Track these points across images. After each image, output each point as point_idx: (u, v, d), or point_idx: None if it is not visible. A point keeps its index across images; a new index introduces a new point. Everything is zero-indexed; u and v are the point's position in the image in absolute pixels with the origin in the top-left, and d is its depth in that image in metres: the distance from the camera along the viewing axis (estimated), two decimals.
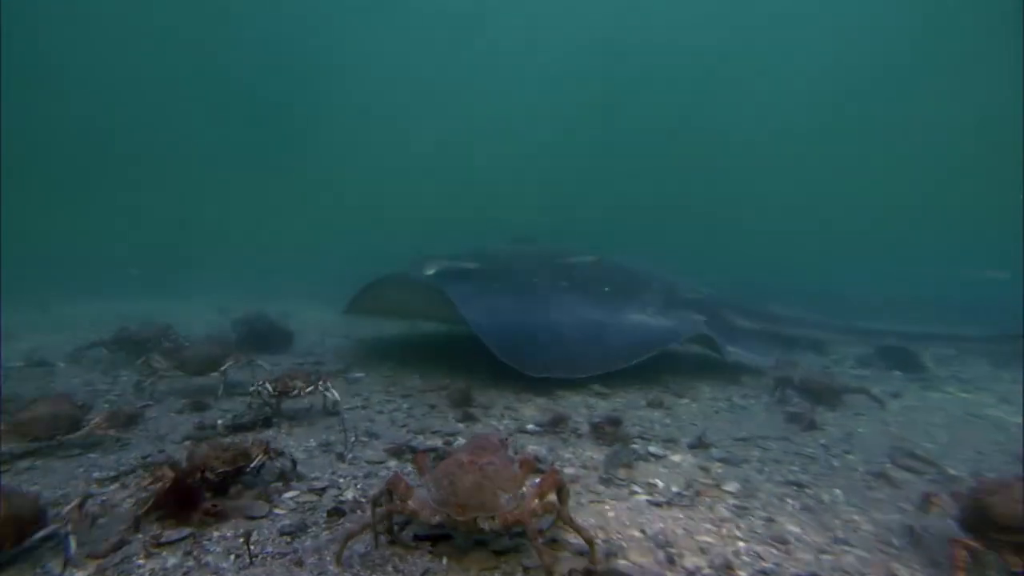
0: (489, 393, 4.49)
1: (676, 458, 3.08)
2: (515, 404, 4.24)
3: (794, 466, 2.97)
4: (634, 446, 3.31)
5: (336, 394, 3.70)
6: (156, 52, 27.75)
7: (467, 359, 6.00)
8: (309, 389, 3.60)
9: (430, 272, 6.37)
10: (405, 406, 4.08)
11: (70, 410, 2.89)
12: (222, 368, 4.13)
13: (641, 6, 30.25)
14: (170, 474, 2.09)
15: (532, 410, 4.10)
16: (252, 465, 2.40)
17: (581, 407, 4.28)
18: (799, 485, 2.69)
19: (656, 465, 3.01)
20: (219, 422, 3.40)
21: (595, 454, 3.15)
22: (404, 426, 3.60)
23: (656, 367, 5.26)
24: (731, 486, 2.66)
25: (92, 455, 2.85)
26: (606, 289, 6.09)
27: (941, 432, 3.94)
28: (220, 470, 2.31)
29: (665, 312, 5.89)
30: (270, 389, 3.45)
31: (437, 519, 1.90)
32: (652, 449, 3.22)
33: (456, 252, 7.05)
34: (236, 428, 3.27)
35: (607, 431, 3.39)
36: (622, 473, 2.85)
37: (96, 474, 2.57)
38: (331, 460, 2.93)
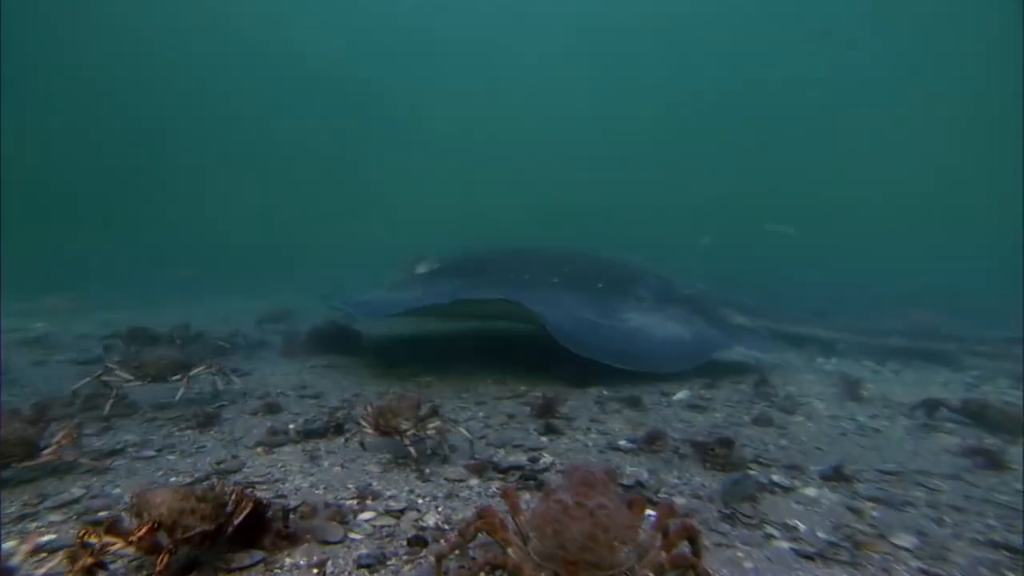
0: (570, 402, 4.09)
1: (810, 492, 2.52)
2: (601, 416, 3.81)
3: (989, 519, 2.31)
4: (750, 471, 2.78)
5: (449, 439, 2.89)
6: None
7: (538, 362, 5.64)
8: (412, 430, 2.76)
9: (421, 271, 6.57)
10: (481, 415, 3.76)
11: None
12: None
13: None
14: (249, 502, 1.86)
15: (621, 423, 3.65)
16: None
17: (675, 421, 3.77)
18: (1011, 549, 2.05)
19: (786, 499, 2.47)
20: (291, 427, 3.24)
21: (706, 480, 2.67)
22: (482, 438, 3.27)
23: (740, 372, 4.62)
24: (904, 539, 2.08)
25: (171, 457, 2.75)
26: (643, 293, 6.03)
27: None
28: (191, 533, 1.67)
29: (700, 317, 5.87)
30: (366, 427, 2.78)
31: None
32: (776, 478, 2.67)
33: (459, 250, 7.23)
34: (308, 434, 3.09)
35: (717, 453, 2.88)
36: (747, 508, 2.35)
37: (173, 479, 2.44)
38: (407, 475, 2.65)
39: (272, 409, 3.55)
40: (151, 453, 2.76)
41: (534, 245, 7.55)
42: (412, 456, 2.66)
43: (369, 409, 2.80)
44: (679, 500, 2.44)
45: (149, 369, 3.58)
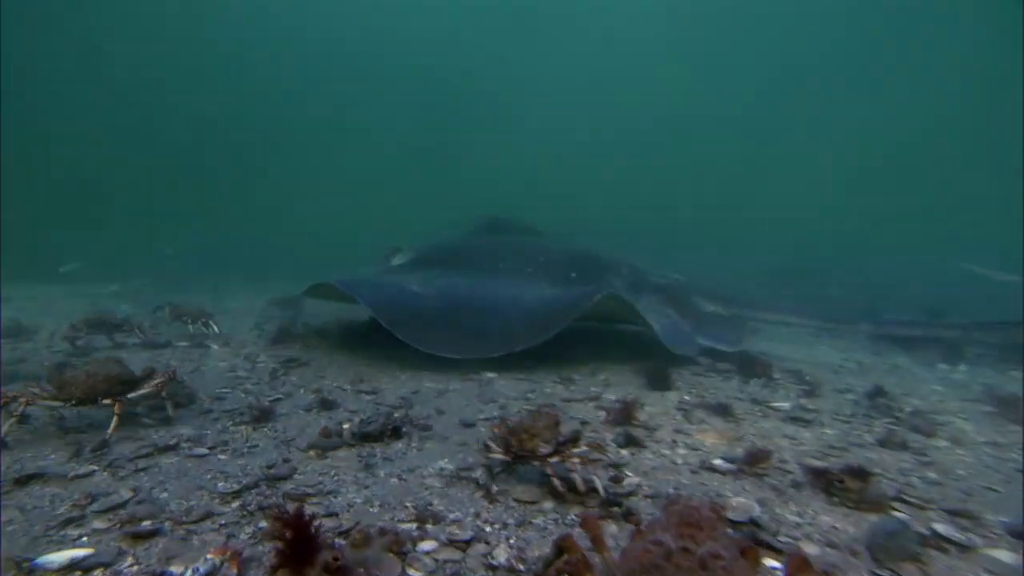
0: (648, 408, 3.62)
1: (1001, 556, 1.92)
2: (686, 426, 3.32)
3: None
4: (898, 513, 2.21)
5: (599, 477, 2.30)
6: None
7: (599, 360, 5.17)
8: (556, 457, 2.27)
9: (397, 262, 6.42)
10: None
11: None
12: (133, 394, 2.88)
13: None
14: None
15: (713, 437, 3.14)
16: None
17: (777, 436, 3.21)
18: None
19: (967, 563, 1.89)
20: (345, 427, 3.00)
21: (836, 521, 2.13)
22: None
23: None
24: None
25: (222, 456, 2.58)
26: (573, 273, 5.91)
27: None
28: None
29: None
30: (495, 450, 2.37)
31: None
32: (940, 528, 2.09)
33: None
34: (363, 437, 2.83)
35: (846, 485, 2.32)
36: (911, 571, 1.81)
37: (221, 485, 2.24)
38: (471, 494, 2.31)
39: (327, 405, 3.34)
40: (203, 451, 2.60)
41: (509, 237, 7.36)
42: (558, 491, 2.19)
43: (499, 429, 2.40)
44: (808, 548, 1.94)
45: (74, 390, 2.74)
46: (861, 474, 2.34)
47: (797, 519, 2.16)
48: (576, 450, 2.34)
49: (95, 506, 2.00)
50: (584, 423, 3.32)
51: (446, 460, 2.67)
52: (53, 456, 2.50)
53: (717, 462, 2.72)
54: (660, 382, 4.16)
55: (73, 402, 2.75)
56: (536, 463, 2.31)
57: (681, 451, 2.93)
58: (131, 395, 2.87)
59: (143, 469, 2.38)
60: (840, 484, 2.31)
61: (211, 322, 5.65)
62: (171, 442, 2.66)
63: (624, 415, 3.33)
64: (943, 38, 26.03)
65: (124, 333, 5.16)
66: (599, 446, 2.53)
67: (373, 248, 7.52)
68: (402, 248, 6.61)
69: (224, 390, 3.64)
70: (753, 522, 2.07)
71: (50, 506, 2.01)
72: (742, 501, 2.28)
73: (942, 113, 29.04)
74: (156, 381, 2.99)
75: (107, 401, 2.77)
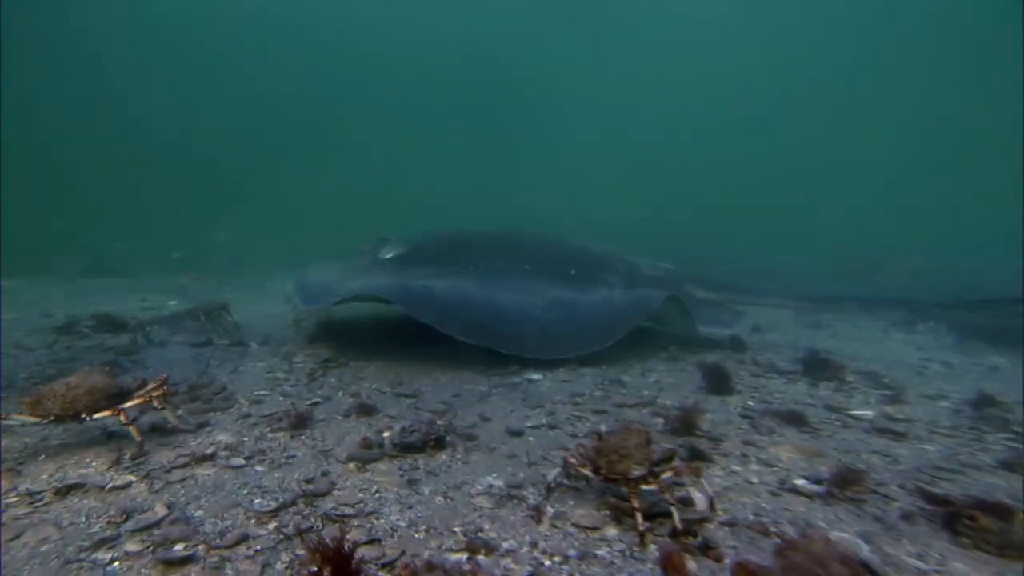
0: (709, 415, 3.29)
1: None
2: (756, 438, 2.97)
3: None
4: None
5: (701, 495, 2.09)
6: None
7: (643, 353, 4.84)
8: (650, 482, 1.99)
9: (387, 255, 5.93)
10: (603, 428, 3.10)
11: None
12: (121, 407, 2.53)
13: None
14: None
15: (788, 451, 2.79)
16: None
17: (864, 451, 2.83)
18: None
19: None
20: (385, 435, 2.82)
21: (972, 570, 1.77)
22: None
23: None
24: None
25: (259, 467, 2.44)
26: (574, 271, 5.78)
27: None
28: None
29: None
30: (582, 470, 2.11)
31: None
32: None
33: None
34: (406, 448, 2.64)
35: (984, 526, 1.94)
36: None
37: (257, 501, 2.09)
38: (523, 516, 2.07)
39: (366, 410, 3.18)
40: (240, 461, 2.47)
41: (501, 231, 7.03)
42: (637, 523, 1.90)
43: (585, 448, 2.17)
44: None
45: (51, 405, 2.43)
46: (1002, 511, 1.95)
47: (919, 564, 1.81)
48: (666, 475, 2.05)
49: (129, 524, 1.88)
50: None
51: (494, 475, 2.45)
52: (94, 464, 2.42)
53: (800, 482, 2.38)
54: (720, 385, 3.81)
55: (51, 419, 2.42)
56: (625, 488, 2.03)
57: (754, 467, 2.61)
58: (122, 406, 2.55)
59: (180, 481, 2.26)
60: (970, 520, 1.94)
61: (224, 315, 5.65)
62: (209, 451, 2.55)
63: (685, 423, 3.02)
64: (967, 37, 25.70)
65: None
66: (695, 469, 2.25)
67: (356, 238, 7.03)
68: (390, 240, 6.08)
69: (262, 392, 3.55)
70: (865, 566, 1.75)
71: (85, 523, 1.90)
72: (842, 536, 1.95)
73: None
74: (147, 391, 2.69)
75: (95, 415, 2.48)
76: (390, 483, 2.33)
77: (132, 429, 2.52)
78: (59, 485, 2.17)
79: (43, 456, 2.51)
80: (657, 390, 3.94)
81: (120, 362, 4.22)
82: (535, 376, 4.19)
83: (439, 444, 2.71)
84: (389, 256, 5.99)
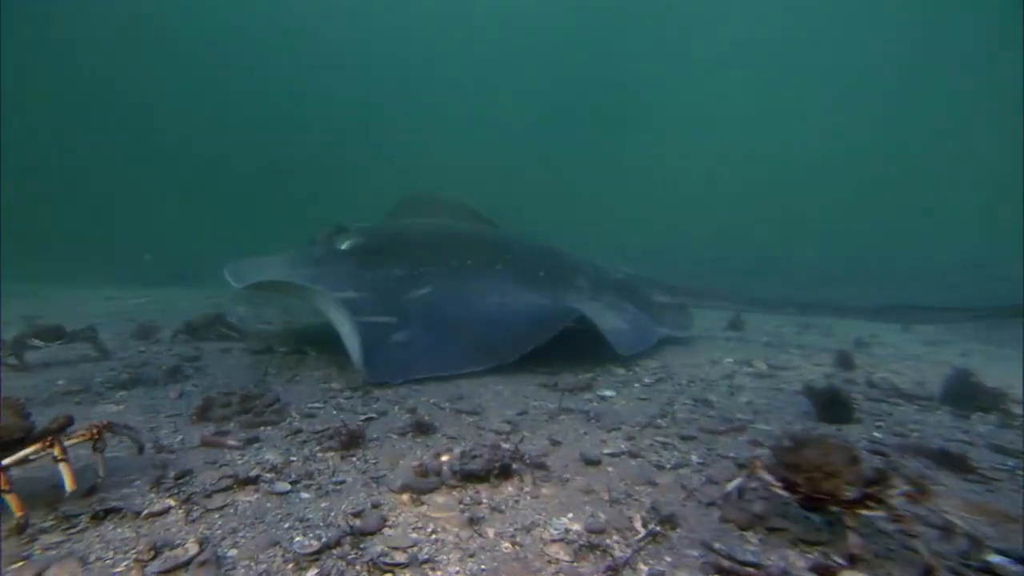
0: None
1: None
2: (904, 487, 2.35)
3: None
4: None
5: None
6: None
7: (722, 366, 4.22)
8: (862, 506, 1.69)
9: (343, 247, 5.28)
10: (694, 458, 2.60)
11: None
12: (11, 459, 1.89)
13: None
14: None
15: (958, 506, 2.16)
16: None
17: None
18: None
19: None
20: (443, 459, 2.49)
21: None
22: (711, 504, 2.13)
23: None
24: None
25: (304, 495, 2.18)
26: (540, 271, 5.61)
27: None
28: None
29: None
30: (772, 484, 1.82)
31: None
32: None
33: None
34: (467, 476, 2.28)
35: None
36: None
37: (298, 540, 1.81)
38: (602, 570, 1.65)
39: (423, 428, 2.87)
40: (285, 486, 2.22)
41: (466, 228, 6.59)
42: (856, 554, 1.57)
43: (777, 464, 1.86)
44: None
45: None
46: None
47: None
48: (895, 499, 1.67)
49: (155, 565, 1.65)
50: (742, 466, 2.50)
51: (570, 516, 2.04)
52: (138, 483, 2.26)
53: (995, 559, 1.77)
54: (836, 412, 3.17)
55: None
56: (835, 509, 1.63)
57: (919, 528, 2.01)
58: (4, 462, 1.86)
59: (219, 508, 2.03)
60: None
61: (231, 326, 5.54)
62: (253, 472, 2.32)
63: (797, 457, 2.45)
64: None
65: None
66: (926, 489, 1.77)
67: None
68: (348, 230, 5.49)
69: (316, 405, 3.34)
70: None
71: (111, 560, 1.69)
72: None
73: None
74: (55, 437, 1.99)
75: None
76: (449, 521, 1.98)
77: (10, 499, 1.80)
78: (98, 508, 2.00)
79: (89, 472, 2.39)
80: (751, 413, 3.36)
81: (183, 369, 4.21)
82: (607, 393, 3.73)
83: (505, 473, 2.33)
84: (345, 247, 5.31)
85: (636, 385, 4.00)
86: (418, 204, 7.77)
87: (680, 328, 6.15)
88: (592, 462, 2.52)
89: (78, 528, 1.87)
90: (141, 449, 2.44)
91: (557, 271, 5.77)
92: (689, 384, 4.03)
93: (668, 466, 2.50)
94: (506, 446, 2.48)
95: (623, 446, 2.74)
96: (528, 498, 2.19)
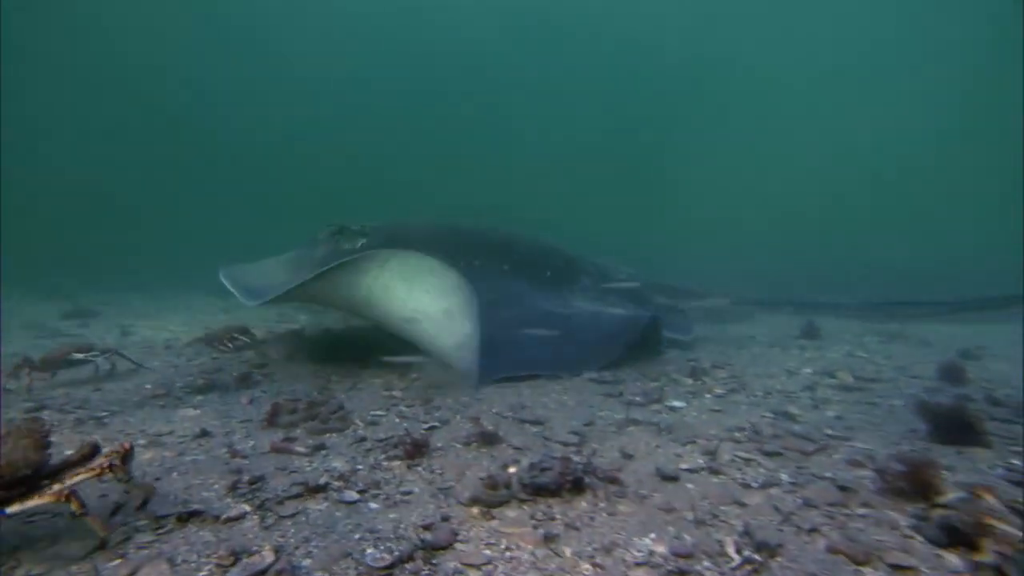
0: (949, 474, 2.36)
1: None
2: None
3: None
4: None
5: None
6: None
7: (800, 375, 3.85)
8: None
9: (348, 247, 5.04)
10: (784, 477, 2.36)
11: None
12: (31, 502, 1.69)
13: None
14: None
15: None
16: None
17: None
18: None
19: None
20: (511, 471, 2.39)
21: None
22: (813, 530, 1.90)
23: None
24: None
25: (373, 504, 2.14)
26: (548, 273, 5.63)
27: None
28: None
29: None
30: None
31: None
32: None
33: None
34: (537, 489, 2.18)
35: None
36: None
37: (370, 552, 1.76)
38: None
39: (488, 439, 2.79)
40: (353, 496, 2.20)
41: (468, 225, 6.18)
42: None
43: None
44: None
45: None
46: None
47: None
48: None
49: (236, 571, 1.65)
50: (843, 488, 2.24)
51: (653, 536, 1.88)
52: (216, 487, 2.31)
53: None
54: (959, 432, 2.77)
55: None
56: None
57: None
58: (27, 504, 1.68)
59: (291, 516, 2.03)
60: None
61: (246, 336, 5.45)
62: (322, 480, 2.32)
63: (916, 483, 2.16)
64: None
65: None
66: None
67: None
68: (351, 229, 5.27)
69: (378, 413, 3.35)
70: None
71: (196, 563, 1.71)
72: None
73: None
74: (93, 467, 1.80)
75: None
76: (522, 537, 1.87)
77: (91, 521, 1.72)
78: (182, 510, 2.05)
79: (176, 473, 2.48)
80: (844, 429, 3.04)
81: (252, 375, 4.37)
82: (677, 404, 3.51)
83: (577, 487, 2.20)
84: (348, 247, 5.08)
85: (707, 396, 3.75)
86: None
87: (682, 331, 6.02)
88: (669, 478, 2.34)
89: (166, 529, 1.91)
90: (145, 502, 2.07)
91: (562, 271, 5.68)
92: (766, 396, 3.73)
93: (755, 485, 2.28)
94: (577, 459, 2.36)
95: (701, 461, 2.54)
96: (604, 515, 2.05)
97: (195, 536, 1.89)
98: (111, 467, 1.79)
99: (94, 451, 1.89)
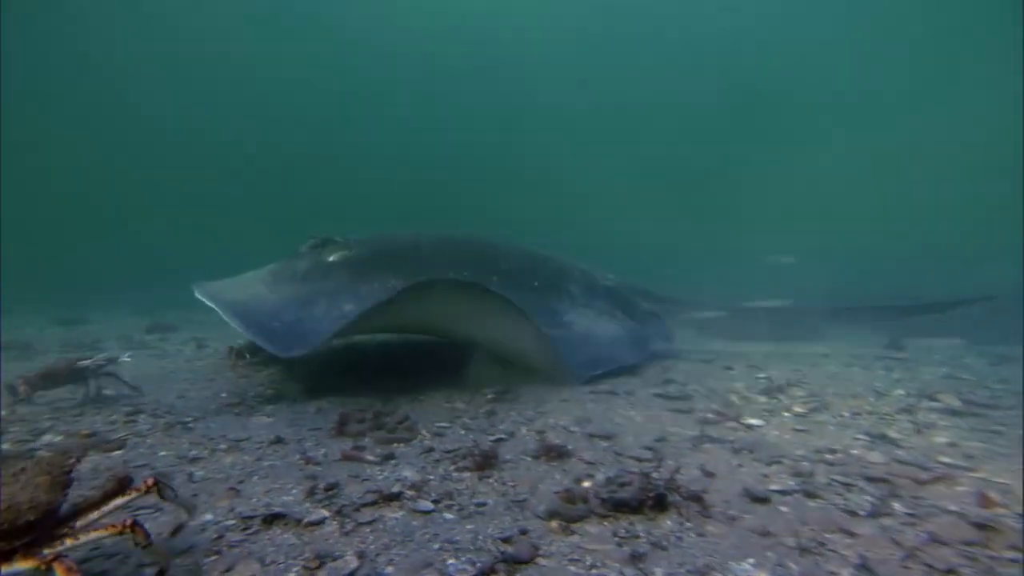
0: None
1: None
2: None
3: None
4: None
5: None
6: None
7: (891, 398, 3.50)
8: None
9: (331, 259, 4.85)
10: (898, 507, 2.12)
11: None
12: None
13: None
14: None
15: None
16: None
17: None
18: None
19: None
20: (585, 485, 2.29)
21: None
22: (951, 572, 1.68)
23: None
24: None
25: (448, 515, 2.10)
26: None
27: None
28: None
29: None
30: None
31: None
32: None
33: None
34: (617, 505, 2.07)
35: None
36: None
37: (451, 563, 1.71)
38: None
39: (557, 452, 2.70)
40: (428, 505, 2.17)
41: (460, 235, 6.01)
42: None
43: None
44: None
45: None
46: None
47: None
48: None
49: (322, 575, 1.64)
50: (981, 526, 1.98)
51: (751, 562, 1.73)
52: (294, 491, 2.35)
53: None
54: None
55: None
56: None
57: None
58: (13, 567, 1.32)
59: (369, 523, 2.02)
60: None
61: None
62: (395, 489, 2.31)
63: None
64: None
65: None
66: None
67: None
68: (336, 241, 5.10)
69: (443, 424, 3.34)
70: None
71: (284, 564, 1.72)
72: None
73: None
74: (110, 524, 1.44)
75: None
76: (607, 555, 1.77)
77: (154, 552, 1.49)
78: (265, 512, 2.09)
79: (256, 477, 2.56)
80: (964, 458, 2.72)
81: (317, 386, 4.50)
82: (754, 422, 3.29)
83: (659, 504, 2.07)
84: (333, 260, 4.86)
85: (786, 414, 3.49)
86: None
87: (663, 339, 6.13)
88: (759, 499, 2.17)
89: (252, 530, 1.95)
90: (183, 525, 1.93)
91: (551, 280, 5.63)
92: (855, 417, 3.42)
93: (862, 513, 2.07)
94: (657, 475, 2.23)
95: (792, 483, 2.34)
96: (692, 535, 1.91)
97: (280, 538, 1.91)
98: (133, 527, 1.43)
99: (122, 487, 1.58)
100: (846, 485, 2.33)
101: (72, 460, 1.58)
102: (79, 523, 1.49)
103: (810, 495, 2.22)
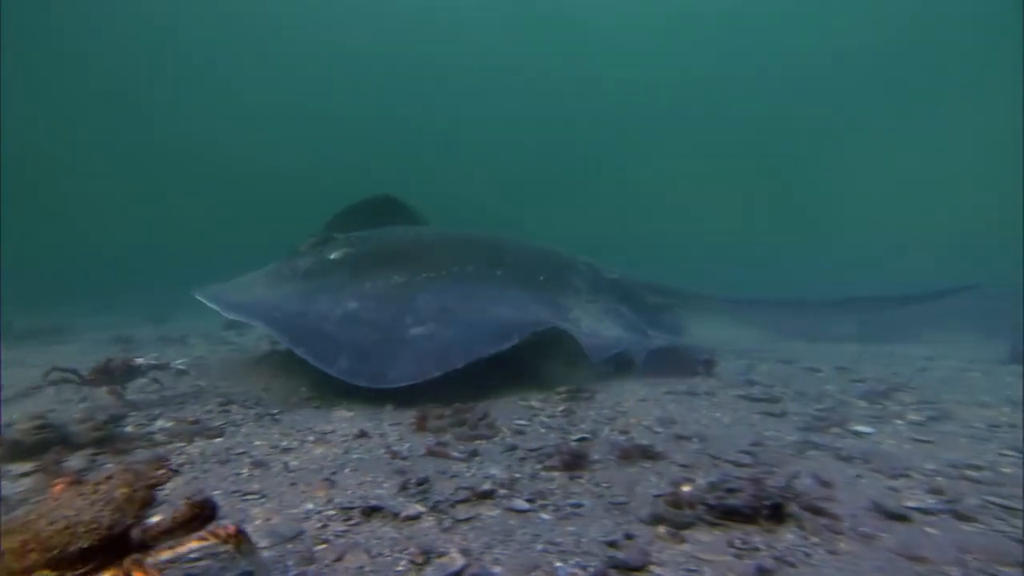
0: None
1: None
2: None
3: None
4: None
5: None
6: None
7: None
8: None
9: (335, 257, 4.83)
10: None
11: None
12: None
13: None
14: None
15: None
16: None
17: None
18: None
19: None
20: (685, 489, 2.14)
21: None
22: None
23: None
24: None
25: (544, 515, 2.02)
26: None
27: None
28: None
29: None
30: None
31: None
32: None
33: None
34: (727, 513, 1.91)
35: None
36: None
37: (559, 566, 1.63)
38: None
39: (647, 454, 2.56)
40: (522, 504, 2.10)
41: (456, 231, 5.92)
42: None
43: None
44: None
45: None
46: None
47: None
48: None
49: (430, 571, 1.61)
50: None
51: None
52: (386, 485, 2.35)
53: None
54: None
55: None
56: None
57: None
58: None
59: (466, 520, 1.98)
60: None
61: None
62: (486, 487, 2.25)
63: None
64: None
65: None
66: None
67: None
68: (337, 239, 5.03)
69: (522, 422, 3.27)
70: None
71: (391, 557, 1.70)
72: None
73: None
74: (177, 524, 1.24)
75: None
76: (729, 568, 1.62)
77: None
78: (363, 505, 2.09)
79: (348, 469, 2.59)
80: None
81: None
82: (864, 429, 3.00)
83: (776, 515, 1.89)
84: (336, 258, 4.88)
85: (899, 422, 3.16)
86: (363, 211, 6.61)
87: (675, 333, 6.04)
88: (896, 516, 1.93)
89: (354, 521, 1.96)
90: None
91: (556, 274, 5.58)
92: (991, 429, 3.03)
93: None
94: (772, 484, 2.04)
95: (931, 501, 2.07)
96: (822, 552, 1.72)
97: (380, 531, 1.90)
98: (236, 535, 1.22)
99: (197, 517, 1.25)
100: (1006, 508, 2.03)
101: (162, 471, 1.31)
102: (150, 560, 1.13)
103: (960, 517, 1.95)
